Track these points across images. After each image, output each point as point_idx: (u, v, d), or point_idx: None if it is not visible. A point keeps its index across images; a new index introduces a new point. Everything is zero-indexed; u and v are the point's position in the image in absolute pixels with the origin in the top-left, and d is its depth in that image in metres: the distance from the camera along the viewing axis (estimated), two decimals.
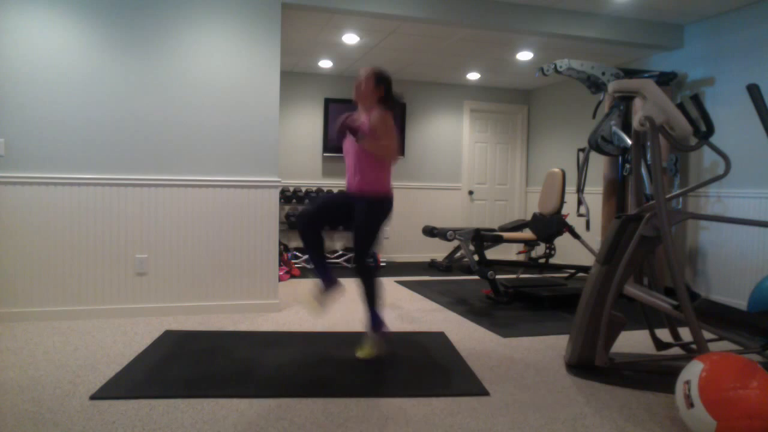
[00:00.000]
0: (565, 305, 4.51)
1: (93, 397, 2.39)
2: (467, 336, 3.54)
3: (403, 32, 4.97)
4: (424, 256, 7.24)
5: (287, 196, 6.51)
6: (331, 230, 6.79)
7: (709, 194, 4.80)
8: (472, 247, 4.60)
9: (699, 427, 1.99)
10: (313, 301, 3.07)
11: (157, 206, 3.91)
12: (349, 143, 3.03)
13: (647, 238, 2.74)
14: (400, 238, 7.16)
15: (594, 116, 5.00)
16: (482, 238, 4.56)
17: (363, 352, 3.01)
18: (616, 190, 5.13)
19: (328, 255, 6.43)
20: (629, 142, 4.50)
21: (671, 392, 2.58)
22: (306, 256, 6.35)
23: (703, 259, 4.87)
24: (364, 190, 2.96)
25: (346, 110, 6.79)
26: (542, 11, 4.67)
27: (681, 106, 2.74)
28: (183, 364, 2.85)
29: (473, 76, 6.78)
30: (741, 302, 4.47)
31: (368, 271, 2.96)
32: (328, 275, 3.08)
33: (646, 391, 2.62)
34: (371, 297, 2.98)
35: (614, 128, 4.67)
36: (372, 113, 2.95)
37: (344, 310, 4.17)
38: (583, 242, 4.80)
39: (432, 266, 6.66)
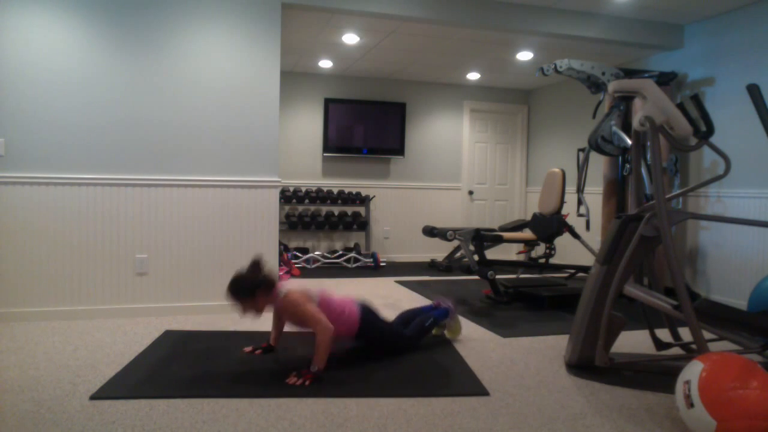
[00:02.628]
0: (565, 305, 4.51)
1: (93, 397, 2.39)
2: (467, 336, 3.54)
3: (403, 32, 4.97)
4: (424, 256, 7.24)
5: (287, 196, 6.51)
6: (330, 230, 6.79)
7: (709, 194, 4.80)
8: (472, 247, 4.60)
9: (699, 427, 1.99)
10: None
11: (157, 206, 3.91)
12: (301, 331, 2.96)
13: (647, 238, 2.74)
14: (400, 238, 7.16)
15: (594, 116, 5.00)
16: (482, 238, 4.56)
17: (452, 334, 3.40)
18: (616, 190, 5.12)
19: (328, 255, 6.43)
20: (629, 142, 4.50)
21: (671, 392, 2.58)
22: (306, 257, 6.35)
23: (703, 259, 4.87)
24: (343, 335, 2.91)
25: (346, 110, 6.79)
26: (542, 11, 4.67)
27: (681, 106, 2.74)
28: (183, 364, 2.85)
29: (473, 76, 6.78)
30: (741, 302, 4.47)
31: (409, 342, 3.15)
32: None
33: (646, 391, 2.62)
34: (419, 337, 3.21)
35: (614, 128, 4.67)
36: (279, 310, 2.87)
37: None
38: (583, 242, 4.80)
39: (432, 266, 6.66)
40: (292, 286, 2.93)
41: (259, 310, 2.77)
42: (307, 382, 2.58)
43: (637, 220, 2.80)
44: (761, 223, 2.60)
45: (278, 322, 3.10)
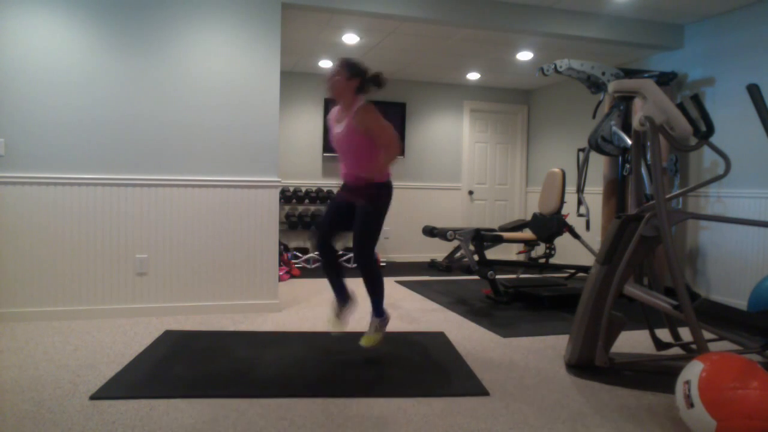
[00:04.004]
0: (565, 305, 4.51)
1: (93, 397, 2.39)
2: (467, 336, 3.54)
3: (403, 32, 4.97)
4: (424, 256, 7.24)
5: (287, 196, 6.51)
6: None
7: (709, 194, 4.80)
8: (472, 247, 4.60)
9: (699, 427, 1.99)
10: (334, 318, 3.12)
11: (157, 206, 3.91)
12: (339, 136, 2.95)
13: (647, 238, 2.74)
14: (400, 238, 7.16)
15: (594, 116, 5.00)
16: (482, 238, 4.56)
17: (367, 340, 2.96)
18: (616, 190, 5.13)
19: None
20: (629, 142, 4.50)
21: (671, 392, 2.58)
22: (306, 257, 6.35)
23: (703, 259, 4.87)
24: (362, 180, 2.89)
25: None
26: (542, 11, 4.67)
27: (681, 106, 2.74)
28: (183, 364, 2.85)
29: (473, 76, 6.78)
30: (741, 302, 4.47)
31: (370, 261, 2.92)
32: (342, 293, 3.12)
33: (646, 391, 2.62)
34: (374, 286, 2.97)
35: (614, 128, 4.67)
36: (354, 111, 2.86)
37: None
38: (583, 242, 4.80)
39: (432, 266, 6.66)
40: None
41: (343, 92, 2.88)
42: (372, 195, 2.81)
43: (637, 220, 2.80)
44: (761, 223, 2.60)
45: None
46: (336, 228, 3.04)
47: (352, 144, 2.89)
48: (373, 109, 2.83)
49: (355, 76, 2.88)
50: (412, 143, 7.17)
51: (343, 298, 3.13)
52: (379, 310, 3.04)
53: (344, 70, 2.88)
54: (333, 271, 3.09)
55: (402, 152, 7.02)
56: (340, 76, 2.87)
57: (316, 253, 3.01)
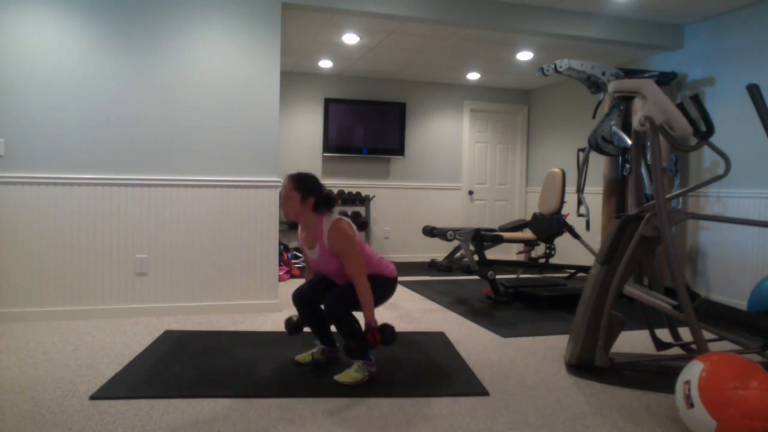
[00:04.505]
0: (565, 305, 4.51)
1: (93, 397, 2.39)
2: (467, 336, 3.54)
3: (403, 32, 4.97)
4: (424, 256, 7.24)
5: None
6: None
7: (709, 194, 4.80)
8: (472, 247, 4.60)
9: (699, 427, 1.99)
10: (307, 354, 2.93)
11: (157, 206, 3.91)
12: (318, 263, 2.71)
13: (647, 238, 2.74)
14: (400, 238, 7.16)
15: (594, 116, 5.00)
16: (482, 238, 4.56)
17: (345, 376, 2.63)
18: (616, 190, 5.13)
19: None
20: (629, 142, 4.50)
21: (671, 392, 2.58)
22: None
23: (703, 259, 4.87)
24: None
25: (346, 110, 6.79)
26: (542, 11, 4.67)
27: (681, 106, 2.74)
28: (183, 364, 2.85)
29: (473, 76, 6.78)
30: (741, 302, 4.47)
31: (342, 317, 2.58)
32: (325, 341, 2.91)
33: (646, 391, 2.62)
34: (351, 335, 2.59)
35: (614, 128, 4.67)
36: (321, 232, 2.62)
37: None
38: (583, 242, 4.80)
39: (432, 266, 6.65)
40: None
41: (298, 215, 2.63)
42: (378, 340, 2.54)
43: (637, 220, 2.80)
44: (761, 223, 2.60)
45: (312, 275, 2.92)
46: (320, 296, 2.79)
47: (334, 267, 2.67)
48: (343, 232, 2.57)
49: (309, 195, 2.61)
50: (412, 143, 7.17)
51: (323, 342, 2.91)
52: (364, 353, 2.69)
53: (296, 190, 2.60)
54: (313, 323, 2.84)
55: (402, 152, 7.02)
56: (293, 195, 2.60)
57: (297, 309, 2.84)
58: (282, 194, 2.64)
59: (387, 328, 2.61)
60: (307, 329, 2.91)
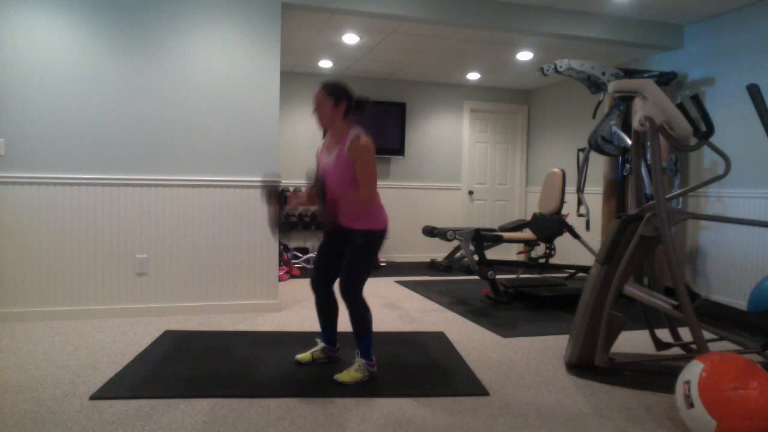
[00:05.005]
0: (565, 305, 4.51)
1: (93, 397, 2.39)
2: (467, 336, 3.54)
3: (403, 32, 4.97)
4: (424, 256, 7.24)
5: (287, 196, 6.50)
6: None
7: (709, 194, 4.80)
8: (472, 247, 4.60)
9: (699, 427, 1.99)
10: (307, 354, 2.94)
11: (157, 206, 3.91)
12: (330, 167, 2.68)
13: (647, 238, 2.74)
14: (400, 238, 7.16)
15: (594, 116, 5.00)
16: (482, 238, 4.56)
17: (345, 376, 2.63)
18: (616, 190, 5.13)
19: None
20: (629, 142, 4.50)
21: (671, 392, 2.58)
22: (306, 257, 6.35)
23: (703, 259, 4.87)
24: (352, 226, 2.65)
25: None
26: (542, 11, 4.67)
27: (681, 106, 2.74)
28: (183, 364, 2.85)
29: (473, 76, 6.78)
30: (741, 302, 4.47)
31: (357, 301, 2.62)
32: (328, 338, 2.90)
33: (646, 391, 2.62)
34: (360, 327, 2.64)
35: (614, 128, 4.67)
36: (347, 139, 2.60)
37: (345, 311, 4.17)
38: (583, 242, 4.80)
39: (432, 266, 6.66)
40: None
41: (330, 120, 2.64)
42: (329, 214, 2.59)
43: (637, 220, 2.80)
44: (761, 223, 2.60)
45: (314, 190, 2.84)
46: (329, 277, 2.80)
47: (344, 178, 2.62)
48: (367, 142, 2.57)
49: (341, 100, 2.62)
50: (412, 143, 7.17)
51: (326, 339, 2.91)
52: (366, 352, 2.68)
53: (330, 94, 2.61)
54: (323, 313, 2.86)
55: (402, 152, 7.02)
56: (326, 101, 2.61)
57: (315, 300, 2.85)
58: (315, 101, 2.65)
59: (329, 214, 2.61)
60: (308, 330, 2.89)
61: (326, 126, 2.68)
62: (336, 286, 2.75)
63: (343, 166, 2.60)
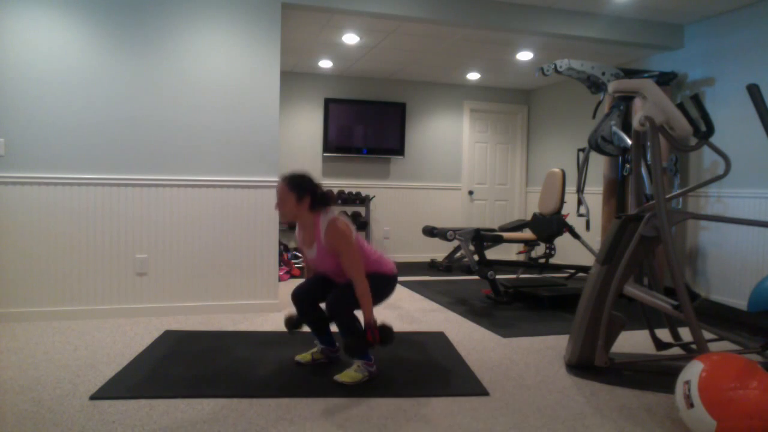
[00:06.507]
0: (565, 305, 4.51)
1: (93, 397, 2.39)
2: (467, 336, 3.54)
3: (403, 32, 4.97)
4: (424, 256, 7.24)
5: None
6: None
7: (709, 194, 4.80)
8: (472, 247, 4.60)
9: (699, 427, 1.99)
10: (307, 354, 2.94)
11: (157, 206, 3.91)
12: (316, 261, 2.69)
13: (647, 238, 2.74)
14: (400, 238, 7.16)
15: (594, 116, 5.00)
16: (482, 238, 4.56)
17: (344, 376, 2.63)
18: (616, 190, 5.12)
19: None
20: (629, 142, 4.50)
21: (671, 392, 2.58)
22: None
23: (703, 259, 4.87)
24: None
25: (346, 110, 6.79)
26: (542, 11, 4.67)
27: (681, 106, 2.74)
28: (183, 364, 2.85)
29: (473, 76, 6.78)
30: (741, 302, 4.47)
31: (346, 315, 2.59)
32: (325, 340, 2.90)
33: (646, 391, 2.62)
34: (349, 330, 2.60)
35: (614, 128, 4.67)
36: (319, 230, 2.61)
37: None
38: (583, 242, 4.80)
39: (432, 266, 6.66)
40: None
41: (295, 216, 2.61)
42: (377, 338, 2.52)
43: (637, 220, 2.80)
44: (761, 223, 2.60)
45: (311, 275, 2.91)
46: (315, 296, 2.79)
47: (333, 265, 2.64)
48: (342, 227, 2.56)
49: (304, 194, 2.58)
50: (412, 143, 7.17)
51: (323, 341, 2.90)
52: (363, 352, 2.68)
53: (292, 189, 2.57)
54: (311, 321, 2.83)
55: (402, 152, 7.02)
56: (289, 197, 2.57)
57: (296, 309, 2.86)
58: (277, 196, 2.62)
59: (386, 328, 2.60)
60: (307, 329, 2.91)
61: (291, 220, 2.65)
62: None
63: (328, 257, 2.63)
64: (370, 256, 2.72)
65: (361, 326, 2.62)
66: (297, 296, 2.80)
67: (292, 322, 2.84)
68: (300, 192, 2.58)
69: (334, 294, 2.61)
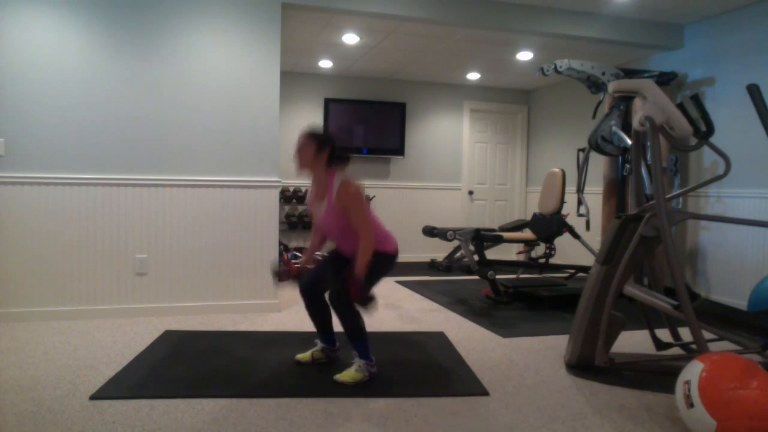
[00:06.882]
0: (565, 305, 4.51)
1: (93, 397, 2.39)
2: (467, 336, 3.54)
3: (403, 32, 4.97)
4: (424, 256, 7.24)
5: (287, 196, 6.51)
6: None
7: (709, 194, 4.80)
8: (472, 247, 4.60)
9: (699, 427, 1.99)
10: (307, 353, 2.94)
11: (157, 206, 3.91)
12: (322, 218, 2.69)
13: (647, 238, 2.74)
14: (400, 238, 7.16)
15: (594, 116, 5.00)
16: (482, 238, 4.56)
17: (345, 376, 2.63)
18: (616, 190, 5.12)
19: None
20: (629, 142, 4.50)
21: (671, 392, 2.58)
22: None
23: (703, 259, 4.87)
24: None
25: (346, 110, 6.79)
26: (542, 11, 4.66)
27: (681, 106, 2.74)
28: (183, 364, 2.85)
29: (473, 76, 6.78)
30: (741, 302, 4.47)
31: (349, 310, 2.59)
32: (326, 337, 2.91)
33: (646, 391, 2.62)
34: (352, 332, 2.63)
35: (614, 128, 4.67)
36: (331, 188, 2.61)
37: None
38: (583, 242, 4.80)
39: (432, 266, 6.66)
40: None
41: (311, 166, 2.62)
42: (358, 292, 2.48)
43: (637, 220, 2.80)
44: (761, 223, 2.60)
45: (318, 238, 2.91)
46: (319, 286, 2.80)
47: (339, 225, 2.64)
48: (355, 189, 2.58)
49: (323, 148, 2.61)
50: (412, 143, 7.17)
51: (324, 340, 2.91)
52: (364, 353, 2.67)
53: (313, 141, 2.60)
54: (314, 317, 2.87)
55: (402, 152, 7.03)
56: (308, 147, 2.60)
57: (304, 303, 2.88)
58: (297, 145, 2.64)
59: (370, 293, 2.57)
60: (305, 329, 2.90)
61: (306, 170, 2.66)
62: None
63: (335, 215, 2.63)
64: (378, 229, 2.70)
65: (365, 327, 2.64)
66: (303, 290, 2.81)
67: (277, 270, 2.84)
68: (320, 145, 2.61)
69: (335, 286, 2.62)
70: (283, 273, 2.83)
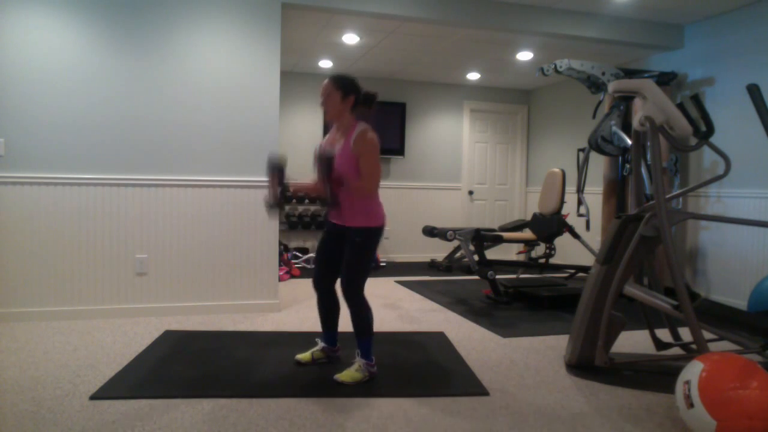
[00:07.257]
0: (565, 305, 4.51)
1: (93, 397, 2.39)
2: (467, 336, 3.54)
3: (403, 32, 4.97)
4: (424, 256, 7.24)
5: (287, 196, 6.50)
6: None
7: (709, 194, 4.80)
8: (472, 247, 4.60)
9: (699, 427, 1.99)
10: (307, 353, 2.95)
11: (157, 206, 3.91)
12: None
13: (647, 238, 2.74)
14: (400, 238, 7.16)
15: (594, 116, 5.00)
16: (482, 238, 4.56)
17: (345, 376, 2.64)
18: (616, 190, 5.13)
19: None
20: (629, 142, 4.50)
21: (671, 392, 2.58)
22: (306, 256, 6.35)
23: (703, 259, 4.87)
24: (350, 224, 2.65)
25: None
26: (542, 11, 4.67)
27: (681, 106, 2.74)
28: (183, 364, 2.85)
29: (473, 76, 6.78)
30: (741, 302, 4.47)
31: (358, 298, 2.64)
32: (329, 335, 2.91)
33: (646, 391, 2.62)
34: (361, 326, 2.66)
35: (614, 128, 4.67)
36: (352, 133, 2.61)
37: (345, 311, 4.17)
38: (583, 242, 4.80)
39: (432, 266, 6.66)
40: None
41: (338, 113, 2.64)
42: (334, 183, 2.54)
43: (637, 220, 2.80)
44: (761, 223, 2.60)
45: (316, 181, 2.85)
46: (330, 275, 2.82)
47: (349, 169, 2.61)
48: (373, 137, 2.59)
49: (349, 94, 2.63)
50: (412, 143, 7.17)
51: (327, 339, 2.92)
52: (366, 352, 2.68)
53: (338, 87, 2.62)
54: (325, 311, 2.88)
55: (402, 152, 7.02)
56: (334, 94, 2.62)
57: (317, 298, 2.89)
58: (322, 94, 2.65)
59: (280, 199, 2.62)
60: (305, 329, 2.89)
61: (333, 119, 2.68)
62: (338, 285, 2.76)
63: (347, 159, 2.61)
64: (375, 200, 2.70)
65: (373, 319, 2.69)
66: (315, 284, 2.84)
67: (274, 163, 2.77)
68: (346, 90, 2.63)
69: (344, 276, 2.64)
70: (275, 166, 2.72)
